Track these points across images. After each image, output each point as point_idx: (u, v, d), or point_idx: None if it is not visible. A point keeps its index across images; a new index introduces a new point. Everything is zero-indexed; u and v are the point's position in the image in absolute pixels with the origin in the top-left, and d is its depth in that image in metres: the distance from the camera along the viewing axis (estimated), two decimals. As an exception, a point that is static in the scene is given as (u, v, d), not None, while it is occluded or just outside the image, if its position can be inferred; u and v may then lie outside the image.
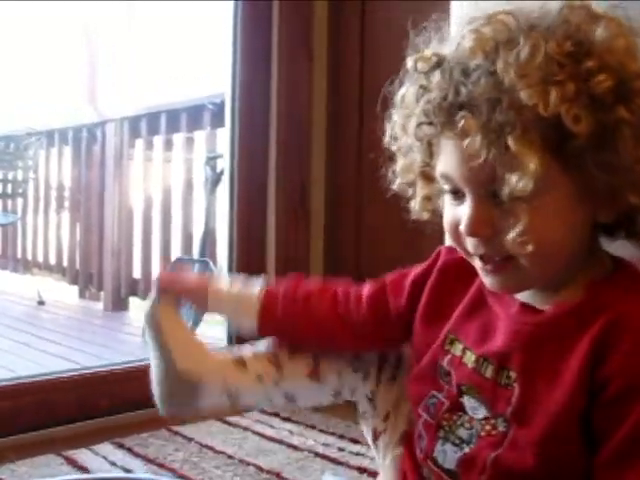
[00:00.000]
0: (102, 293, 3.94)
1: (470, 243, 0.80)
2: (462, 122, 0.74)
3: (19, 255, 4.51)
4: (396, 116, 0.86)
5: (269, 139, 1.96)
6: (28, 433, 1.55)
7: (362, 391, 1.02)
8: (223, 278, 1.02)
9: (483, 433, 0.82)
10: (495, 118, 0.72)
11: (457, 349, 0.88)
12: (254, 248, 1.90)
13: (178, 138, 3.59)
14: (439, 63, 0.78)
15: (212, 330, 2.15)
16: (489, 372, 0.83)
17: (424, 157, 0.85)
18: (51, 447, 1.52)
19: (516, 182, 0.71)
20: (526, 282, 0.80)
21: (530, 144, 0.71)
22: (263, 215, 1.95)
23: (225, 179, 2.10)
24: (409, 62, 0.82)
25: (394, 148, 0.89)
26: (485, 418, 0.82)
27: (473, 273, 0.84)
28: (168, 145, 3.63)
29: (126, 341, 3.23)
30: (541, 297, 0.82)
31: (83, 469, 1.43)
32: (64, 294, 4.16)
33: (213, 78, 2.92)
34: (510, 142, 0.71)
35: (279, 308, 0.98)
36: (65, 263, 4.19)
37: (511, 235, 0.73)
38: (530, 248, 0.73)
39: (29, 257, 4.43)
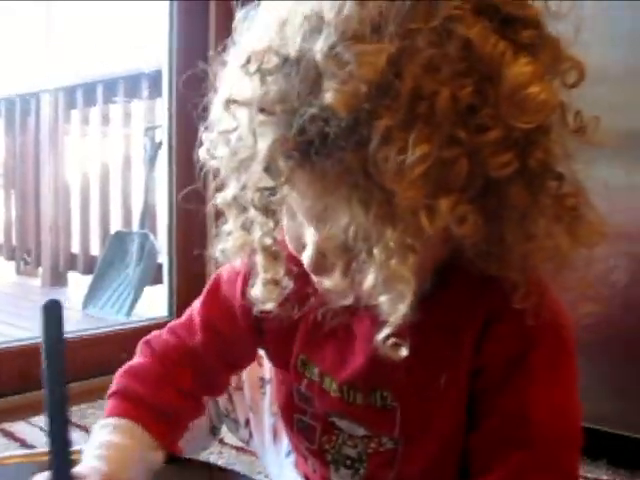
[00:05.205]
0: (40, 269, 3.87)
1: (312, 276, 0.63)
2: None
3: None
4: (220, 149, 0.58)
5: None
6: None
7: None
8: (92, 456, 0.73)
9: (370, 450, 0.73)
10: (353, 224, 0.51)
11: (313, 373, 0.75)
12: (194, 218, 1.89)
13: (115, 109, 3.52)
14: (283, 64, 0.51)
15: (152, 308, 2.11)
16: (359, 399, 0.72)
17: (266, 226, 0.62)
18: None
19: (388, 308, 0.54)
20: None
21: (405, 259, 0.51)
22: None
23: (164, 150, 2.07)
24: (241, 58, 0.54)
25: (219, 201, 0.64)
26: (366, 436, 0.73)
27: None
28: (105, 116, 3.55)
29: (65, 317, 3.17)
30: None
31: (20, 441, 1.41)
32: (0, 270, 4.06)
33: (150, 47, 2.87)
34: (375, 252, 0.52)
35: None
36: (1, 239, 4.09)
37: (365, 290, 0.56)
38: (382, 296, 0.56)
39: (-38, 234, 4.31)
